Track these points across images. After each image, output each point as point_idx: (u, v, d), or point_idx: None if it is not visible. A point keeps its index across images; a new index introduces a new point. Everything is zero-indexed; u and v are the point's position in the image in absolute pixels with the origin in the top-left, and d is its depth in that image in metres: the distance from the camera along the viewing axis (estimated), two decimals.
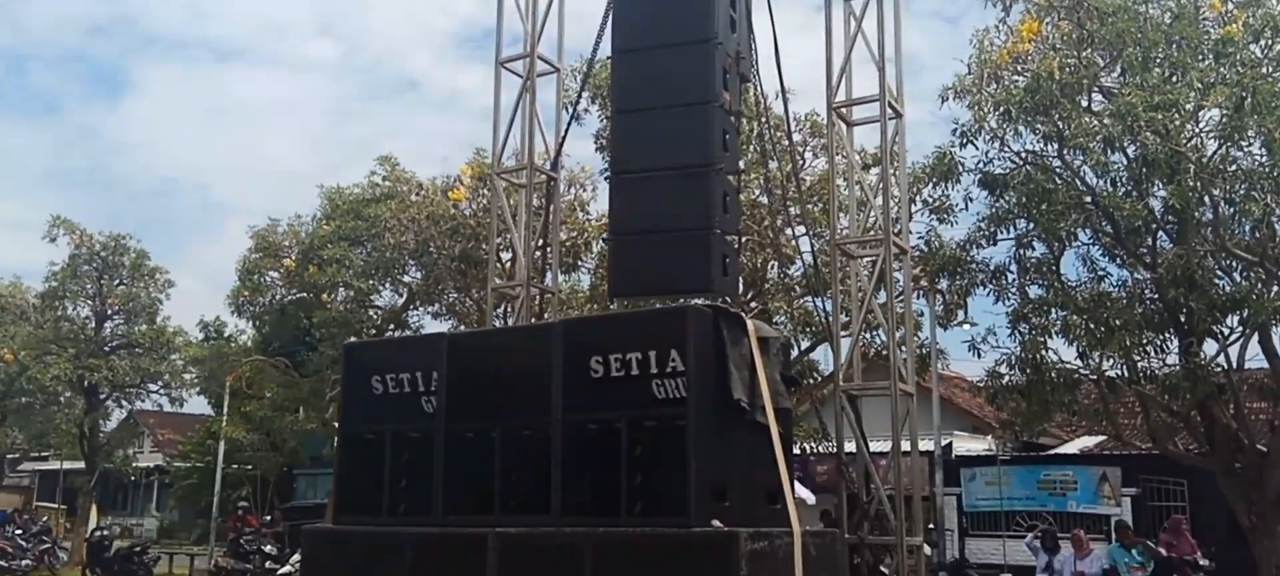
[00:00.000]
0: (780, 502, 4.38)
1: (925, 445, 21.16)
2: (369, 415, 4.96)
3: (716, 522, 3.93)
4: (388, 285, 20.65)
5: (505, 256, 14.16)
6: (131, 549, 23.11)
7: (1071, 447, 26.26)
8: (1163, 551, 13.62)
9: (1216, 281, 11.40)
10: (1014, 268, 12.66)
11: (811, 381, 16.09)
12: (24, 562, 24.12)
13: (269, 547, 17.58)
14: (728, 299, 4.64)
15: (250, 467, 29.49)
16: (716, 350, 4.27)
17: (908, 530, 5.44)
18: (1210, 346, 11.99)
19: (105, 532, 24.11)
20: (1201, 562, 13.60)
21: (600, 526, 4.14)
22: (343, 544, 4.89)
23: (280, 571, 16.40)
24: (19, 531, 26.26)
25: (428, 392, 4.82)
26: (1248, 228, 11.61)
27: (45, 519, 30.32)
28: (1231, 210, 11.43)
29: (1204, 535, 17.53)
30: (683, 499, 3.97)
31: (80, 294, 27.26)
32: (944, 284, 13.72)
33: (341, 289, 20.25)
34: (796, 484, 4.87)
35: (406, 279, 20.30)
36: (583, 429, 4.36)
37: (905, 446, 7.05)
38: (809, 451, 16.95)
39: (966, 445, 26.69)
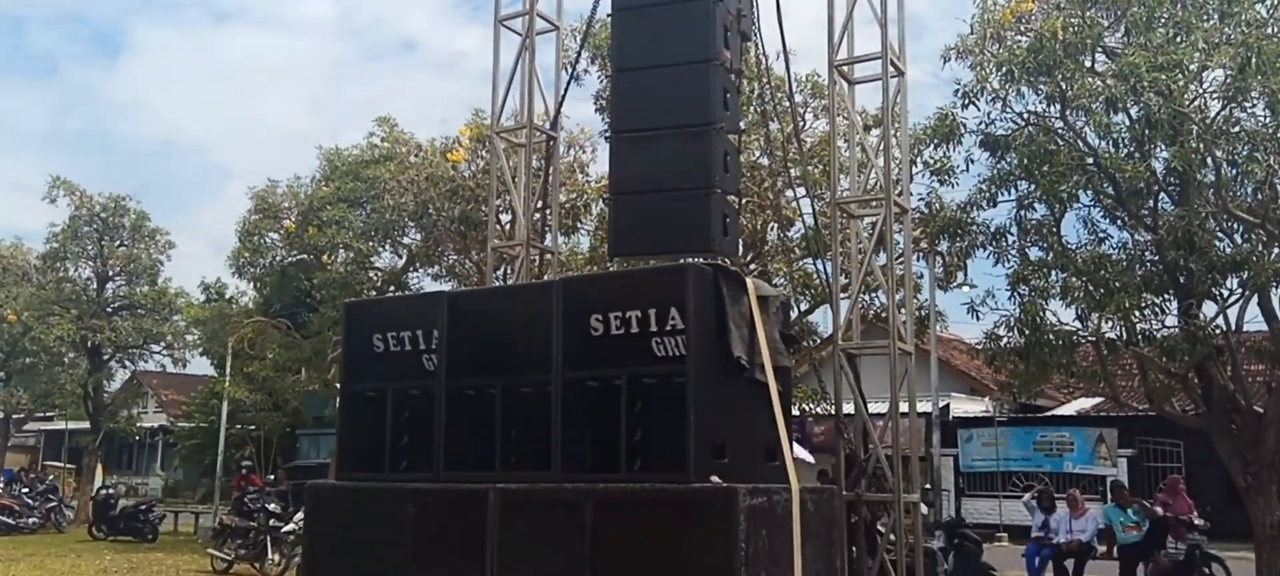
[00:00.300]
0: (779, 459, 4.42)
1: (923, 406, 21.30)
2: (370, 373, 4.99)
3: (715, 479, 3.96)
4: (387, 247, 20.69)
5: (505, 218, 14.17)
6: (137, 507, 23.35)
7: (1068, 409, 26.41)
8: (1159, 510, 13.74)
9: (1217, 243, 11.40)
10: (1014, 229, 12.66)
11: (810, 343, 16.14)
12: (31, 520, 24.36)
13: (273, 506, 17.71)
14: (728, 258, 4.65)
15: (253, 428, 29.71)
16: (716, 308, 4.29)
17: (905, 488, 5.49)
18: (1209, 308, 12.02)
19: (111, 491, 24.34)
20: (1196, 521, 13.72)
21: (600, 482, 4.17)
22: (345, 499, 4.94)
23: (284, 529, 16.53)
24: (26, 490, 26.51)
25: (428, 351, 4.85)
26: (1250, 189, 11.60)
27: (52, 477, 30.57)
28: (1234, 172, 11.41)
29: (1200, 496, 17.66)
30: (682, 455, 4.00)
31: (81, 255, 27.34)
32: (944, 246, 13.73)
33: (341, 250, 20.29)
34: (795, 443, 4.91)
35: (406, 241, 20.32)
36: (583, 386, 4.39)
37: (903, 406, 7.10)
38: (807, 412, 17.04)
39: (964, 406, 26.86)
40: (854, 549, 5.29)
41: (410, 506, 4.64)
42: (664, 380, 4.22)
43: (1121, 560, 13.08)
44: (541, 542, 4.29)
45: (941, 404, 23.97)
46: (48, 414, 36.42)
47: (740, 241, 9.41)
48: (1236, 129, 11.26)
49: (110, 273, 27.75)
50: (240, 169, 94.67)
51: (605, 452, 4.29)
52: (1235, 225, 11.67)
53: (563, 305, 4.43)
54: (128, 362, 29.78)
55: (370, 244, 20.04)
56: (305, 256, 21.83)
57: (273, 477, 23.94)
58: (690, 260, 4.28)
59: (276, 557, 16.47)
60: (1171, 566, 13.43)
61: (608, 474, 4.21)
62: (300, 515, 13.21)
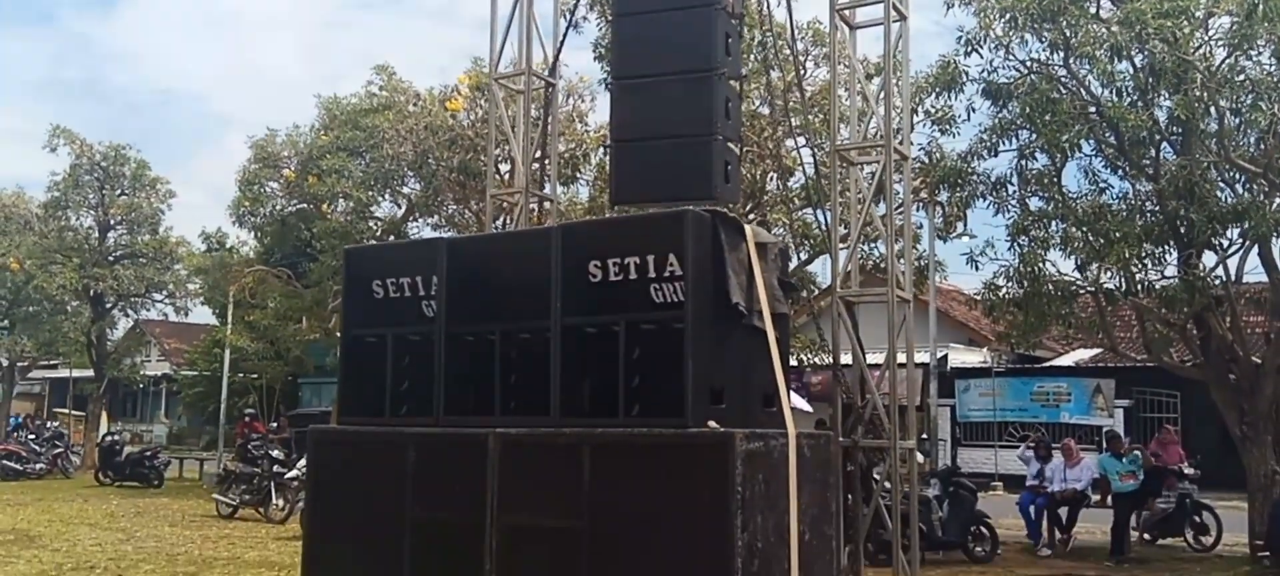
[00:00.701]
0: (776, 405, 4.45)
1: (921, 357, 21.38)
2: (370, 319, 5.02)
3: (713, 424, 4.00)
4: (387, 196, 20.67)
5: (504, 168, 14.13)
6: (142, 453, 23.59)
7: (1066, 360, 26.51)
8: (1152, 459, 13.88)
9: (1218, 193, 11.40)
10: (1015, 179, 12.64)
11: (809, 294, 16.17)
12: (38, 466, 24.62)
13: (277, 452, 17.89)
14: (729, 206, 4.65)
15: (256, 376, 29.86)
16: (714, 255, 4.29)
17: (901, 435, 5.53)
18: (1209, 259, 12.04)
19: (116, 437, 24.57)
20: (1186, 471, 13.86)
21: (598, 427, 4.21)
22: (347, 443, 4.99)
23: (288, 475, 16.71)
24: (32, 436, 26.75)
25: (428, 297, 4.87)
26: (1253, 138, 11.56)
27: (57, 424, 30.83)
28: (1237, 121, 11.37)
29: (1195, 446, 17.80)
30: (680, 401, 4.03)
31: (82, 204, 27.35)
32: (944, 196, 13.72)
33: (341, 200, 20.28)
34: (793, 393, 4.94)
35: (405, 190, 20.29)
36: (581, 332, 4.42)
37: (901, 356, 7.13)
38: (805, 362, 17.11)
39: (962, 357, 26.96)
40: (850, 496, 5.36)
41: (411, 450, 4.69)
42: (662, 326, 4.24)
43: (1116, 508, 13.23)
44: (540, 486, 4.34)
45: (939, 354, 24.06)
46: (52, 362, 36.64)
47: (740, 191, 9.40)
48: (1241, 77, 11.20)
49: (111, 221, 27.77)
50: (239, 118, 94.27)
51: (603, 398, 4.32)
52: (1237, 175, 11.65)
53: (561, 251, 4.44)
54: (130, 311, 29.92)
55: (370, 193, 20.03)
56: (305, 206, 21.84)
57: (275, 425, 24.12)
58: (690, 207, 4.28)
59: (280, 502, 16.68)
60: (1163, 514, 13.60)
61: (606, 419, 4.25)
62: (303, 461, 13.35)
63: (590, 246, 4.47)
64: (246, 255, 28.27)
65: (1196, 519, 13.60)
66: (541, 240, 4.59)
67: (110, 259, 27.68)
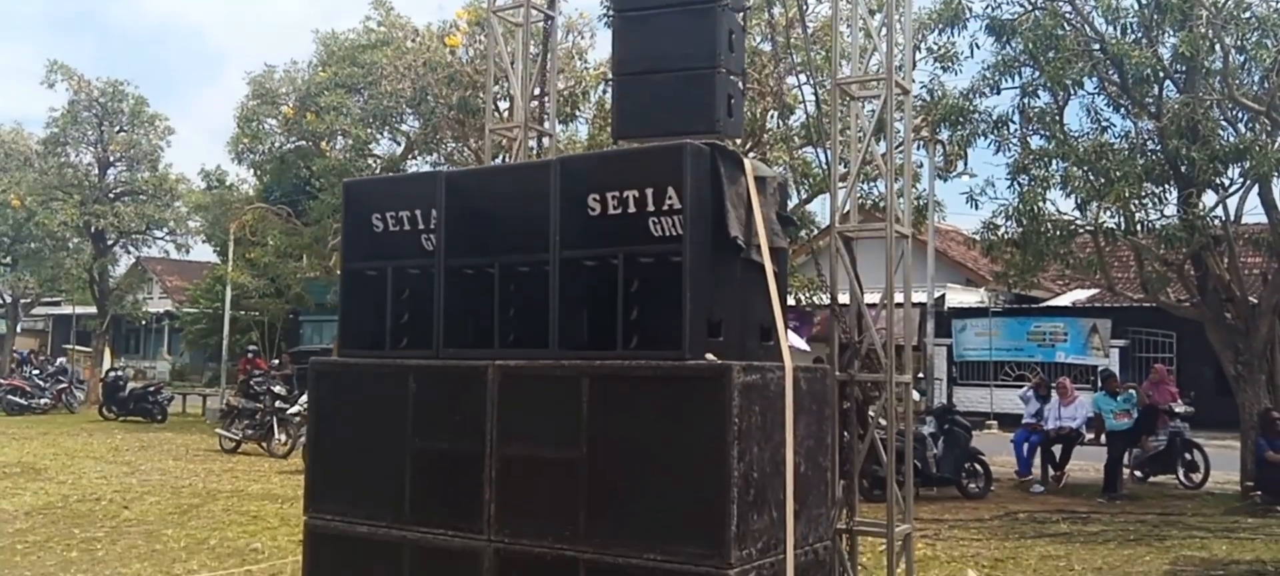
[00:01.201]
0: (773, 338, 4.49)
1: (919, 297, 21.43)
2: (370, 252, 5.03)
3: (710, 356, 4.04)
4: (386, 134, 20.59)
5: (503, 106, 14.04)
6: (146, 389, 23.79)
7: (1063, 300, 26.61)
8: (1146, 398, 14.00)
9: (1220, 132, 11.37)
10: (1017, 117, 12.60)
11: (809, 233, 16.17)
12: (43, 401, 24.84)
13: (279, 388, 18.05)
14: (732, 140, 4.63)
15: (257, 314, 30.00)
16: (713, 188, 4.29)
17: (897, 371, 5.58)
18: (1209, 198, 12.04)
19: (120, 373, 24.76)
20: (1177, 410, 13.99)
21: (597, 359, 4.25)
22: (347, 375, 5.04)
23: (290, 411, 16.89)
24: (36, 372, 26.95)
25: (427, 230, 4.87)
26: (1257, 77, 11.50)
27: (64, 359, 31.04)
28: (1242, 58, 11.30)
29: (1190, 386, 17.95)
30: (678, 333, 4.06)
31: (81, 140, 27.28)
32: (945, 134, 13.67)
33: (340, 137, 20.21)
34: (791, 332, 4.96)
35: (404, 128, 20.20)
36: (580, 265, 4.43)
37: (899, 294, 7.14)
38: (803, 302, 17.17)
39: (959, 297, 27.05)
40: (846, 433, 5.42)
41: (411, 382, 4.73)
42: (661, 259, 4.26)
43: (1110, 446, 13.38)
44: (539, 417, 4.39)
45: (937, 294, 24.12)
46: (55, 299, 36.76)
47: (743, 126, 9.33)
48: (1247, 14, 11.10)
49: (111, 158, 27.71)
50: (237, 54, 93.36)
51: (602, 330, 4.35)
52: (1240, 113, 11.61)
53: (560, 184, 4.44)
54: (131, 248, 29.98)
55: (368, 131, 19.95)
56: (304, 143, 21.75)
57: (277, 362, 24.28)
58: (689, 140, 4.26)
59: (283, 437, 16.87)
60: (1155, 452, 13.77)
61: (604, 351, 4.28)
62: (305, 397, 13.47)
63: (589, 180, 4.47)
64: (246, 193, 28.24)
65: (1187, 457, 13.78)
66: (540, 173, 4.59)
67: (110, 196, 27.66)
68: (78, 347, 35.34)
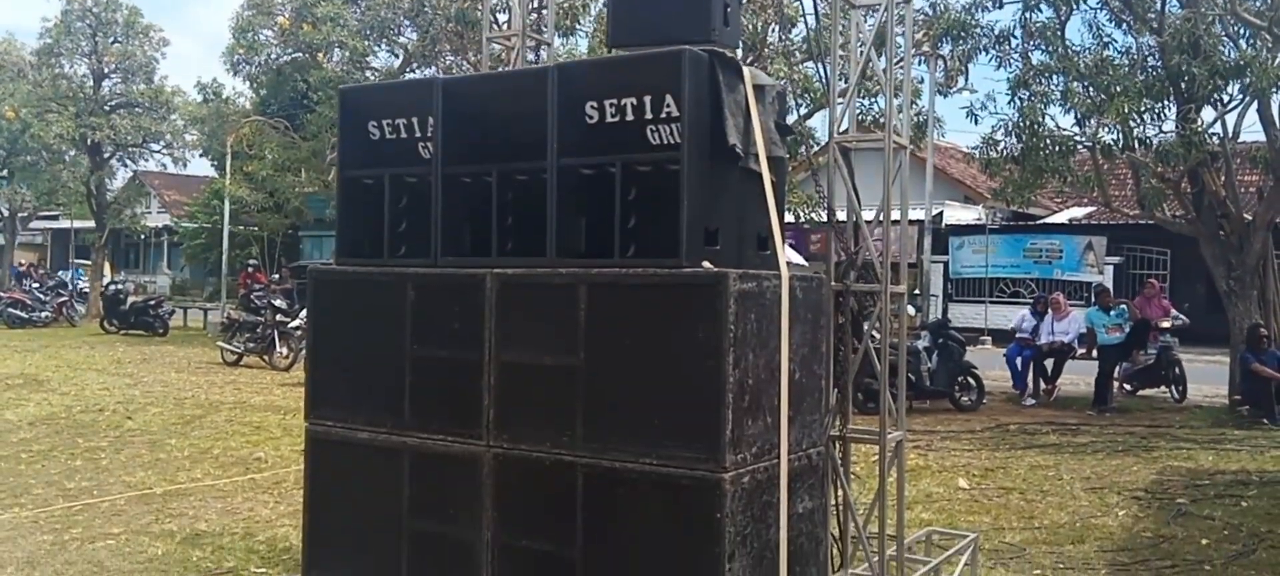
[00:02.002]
0: (770, 248, 4.50)
1: (917, 214, 21.41)
2: (367, 160, 5.02)
3: (707, 264, 4.06)
4: (383, 46, 20.34)
5: (501, 18, 13.84)
6: (146, 302, 23.90)
7: (1060, 218, 26.62)
8: (1137, 313, 14.13)
9: (1221, 48, 11.26)
10: (1018, 32, 12.47)
11: (809, 149, 16.07)
12: (44, 314, 24.98)
13: (279, 302, 18.15)
14: (728, 49, 4.59)
15: (256, 228, 29.97)
16: (712, 96, 4.27)
17: (893, 281, 5.61)
18: (1207, 115, 11.99)
19: (120, 286, 24.85)
20: (1164, 325, 14.13)
21: (594, 268, 4.27)
22: (345, 283, 5.07)
23: (291, 324, 17.00)
24: (36, 285, 27.05)
25: (424, 138, 4.85)
26: None
27: (61, 273, 31.13)
28: None
29: (1183, 302, 18.07)
30: (674, 241, 4.08)
31: (76, 51, 26.98)
32: (946, 49, 13.53)
33: (337, 49, 19.96)
34: (789, 248, 4.96)
35: (402, 40, 19.94)
36: (577, 173, 4.43)
37: (896, 203, 7.12)
38: (802, 218, 17.17)
39: (957, 215, 27.04)
40: (840, 344, 5.47)
41: (410, 290, 4.76)
42: (658, 167, 4.25)
43: (1101, 360, 13.54)
44: (537, 325, 4.43)
45: (935, 211, 24.11)
46: (53, 212, 36.70)
47: (741, 44, 9.23)
48: None
49: (106, 70, 27.42)
50: None
51: (599, 239, 4.36)
52: (1241, 29, 11.49)
53: (558, 91, 4.41)
54: (128, 161, 29.85)
55: (366, 42, 19.70)
56: (300, 55, 21.49)
57: (278, 276, 24.36)
58: (687, 47, 4.23)
59: (284, 350, 17.02)
60: (1144, 366, 13.96)
61: (601, 259, 4.30)
62: (306, 311, 13.56)
63: (586, 87, 4.44)
64: (243, 106, 27.99)
65: (1176, 371, 13.96)
66: (537, 80, 4.55)
67: (106, 108, 27.44)
68: (85, 261, 35.36)
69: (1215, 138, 12.05)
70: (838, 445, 4.90)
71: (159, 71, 27.98)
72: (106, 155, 28.41)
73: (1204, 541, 6.63)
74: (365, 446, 4.84)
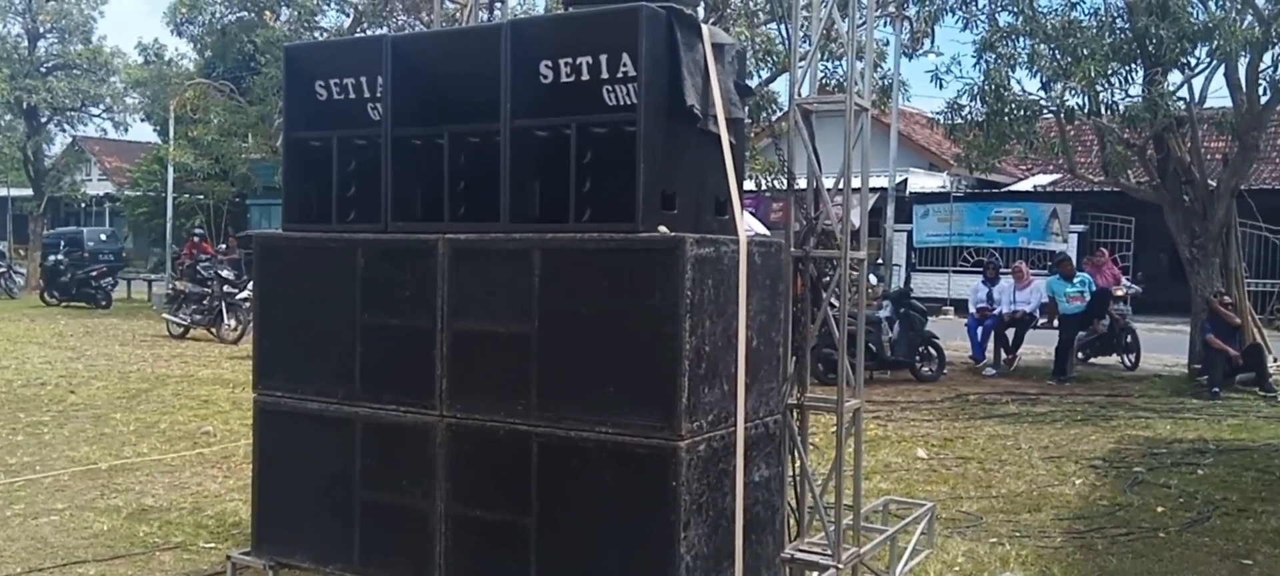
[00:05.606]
0: (728, 212, 4.40)
1: (880, 182, 21.43)
2: (314, 121, 4.82)
3: (664, 229, 3.94)
4: (333, 4, 19.84)
5: None
6: (88, 273, 23.24)
7: (1025, 186, 26.82)
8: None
9: (1189, 10, 11.29)
10: None
11: (770, 114, 15.98)
12: None
13: (226, 272, 17.74)
14: (688, 5, 4.44)
15: (202, 196, 29.28)
16: (670, 55, 4.13)
17: (853, 247, 5.53)
18: (1174, 78, 12.05)
19: (60, 258, 24.16)
20: (1117, 293, 14.29)
21: (548, 232, 4.14)
22: (293, 249, 4.88)
23: (239, 296, 16.62)
24: None
25: (373, 99, 4.66)
26: None
27: (4, 243, 30.23)
28: None
29: (1147, 270, 18.29)
30: (631, 205, 3.96)
31: (9, 10, 26.05)
32: (912, 10, 13.46)
33: (284, 8, 19.43)
34: (749, 216, 4.87)
35: None
36: (531, 135, 4.28)
37: (857, 167, 7.05)
38: (763, 186, 17.10)
39: (922, 182, 27.11)
40: (800, 315, 5.38)
41: (359, 257, 4.60)
42: (614, 129, 4.11)
43: (1062, 328, 13.62)
44: (490, 291, 4.30)
45: (899, 178, 24.15)
46: None
47: (702, 3, 9.07)
48: None
49: (41, 29, 26.51)
50: None
51: (554, 203, 4.22)
52: None
53: (511, 49, 4.25)
54: (66, 126, 28.96)
55: (315, 1, 19.19)
56: (247, 14, 20.89)
57: (224, 247, 23.82)
58: (645, 3, 4.08)
59: (232, 323, 16.65)
60: (1099, 335, 14.12)
61: (556, 224, 4.17)
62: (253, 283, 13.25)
63: (541, 45, 4.28)
64: (186, 68, 27.23)
65: (1129, 338, 14.14)
66: (490, 38, 4.37)
67: (42, 70, 26.57)
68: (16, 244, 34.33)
69: (1181, 103, 12.11)
70: (795, 414, 4.82)
71: (97, 31, 27.19)
72: (43, 119, 27.53)
73: (1160, 509, 6.67)
74: (315, 417, 4.68)
